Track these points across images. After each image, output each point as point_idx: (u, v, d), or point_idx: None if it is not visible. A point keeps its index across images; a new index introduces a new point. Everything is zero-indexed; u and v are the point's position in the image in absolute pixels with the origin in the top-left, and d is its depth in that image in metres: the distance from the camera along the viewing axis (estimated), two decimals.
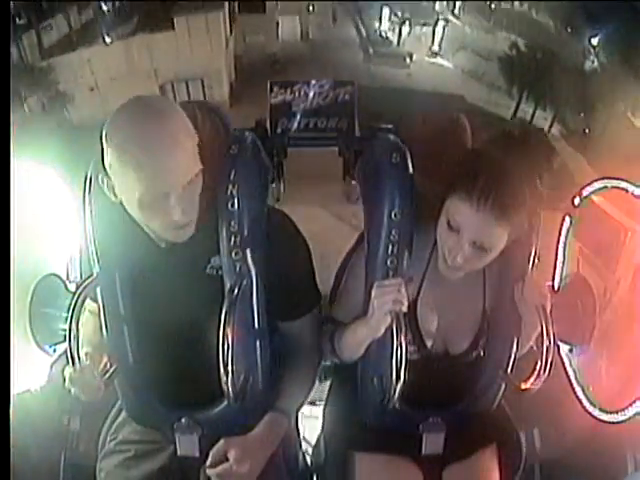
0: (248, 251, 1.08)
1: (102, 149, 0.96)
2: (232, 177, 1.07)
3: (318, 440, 1.48)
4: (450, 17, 22.08)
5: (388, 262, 1.13)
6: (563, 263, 1.48)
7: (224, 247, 1.09)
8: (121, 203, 1.01)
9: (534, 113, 18.34)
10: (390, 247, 1.13)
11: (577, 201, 1.40)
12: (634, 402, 1.25)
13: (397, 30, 22.26)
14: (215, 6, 19.01)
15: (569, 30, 19.33)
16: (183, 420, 1.19)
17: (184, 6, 18.68)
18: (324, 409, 1.46)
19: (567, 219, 1.44)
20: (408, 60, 21.03)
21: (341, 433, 1.36)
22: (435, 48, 21.70)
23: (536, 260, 1.15)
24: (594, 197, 1.39)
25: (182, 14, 18.66)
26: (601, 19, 17.99)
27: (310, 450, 1.50)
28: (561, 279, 1.49)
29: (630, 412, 1.27)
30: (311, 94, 1.39)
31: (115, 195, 1.00)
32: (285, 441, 1.21)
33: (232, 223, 1.08)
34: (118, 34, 19.11)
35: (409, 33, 22.19)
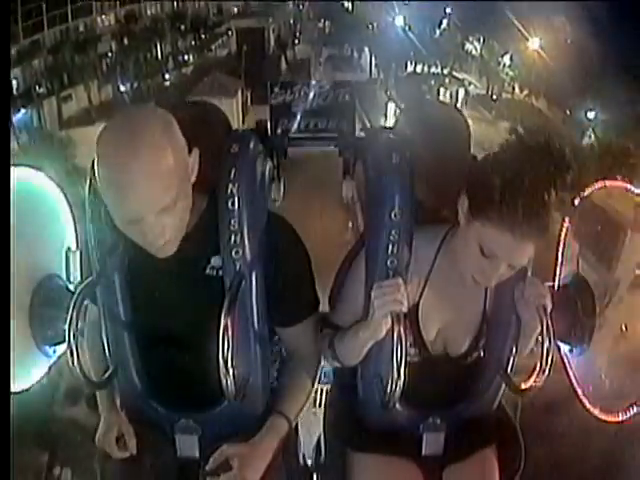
0: (248, 250, 1.08)
1: None
2: (232, 176, 1.07)
3: (318, 440, 1.48)
4: None
5: (388, 262, 1.13)
6: (563, 263, 1.48)
7: (224, 246, 1.09)
8: None
9: None
10: (390, 247, 1.13)
11: (577, 201, 1.40)
12: (634, 402, 1.26)
13: None
14: (229, 93, 19.85)
15: (568, 112, 19.77)
16: (183, 420, 1.19)
17: (200, 91, 19.46)
18: (324, 409, 1.46)
19: (567, 219, 1.44)
20: None
21: (341, 433, 1.36)
22: None
23: (536, 260, 1.15)
24: (594, 197, 1.39)
25: (197, 98, 19.22)
26: (597, 96, 18.29)
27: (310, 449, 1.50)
28: (561, 279, 1.49)
29: (630, 412, 1.27)
30: (311, 95, 1.40)
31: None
32: (285, 441, 1.21)
33: (232, 222, 1.07)
34: None
35: None
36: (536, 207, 0.98)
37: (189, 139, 0.99)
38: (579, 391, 1.44)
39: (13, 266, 1.09)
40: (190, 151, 0.99)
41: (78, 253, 1.35)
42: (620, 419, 1.30)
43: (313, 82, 1.30)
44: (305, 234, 1.19)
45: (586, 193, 1.39)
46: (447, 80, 24.38)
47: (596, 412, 1.37)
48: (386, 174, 1.13)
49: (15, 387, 1.21)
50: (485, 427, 1.29)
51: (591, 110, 19.17)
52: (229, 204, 1.07)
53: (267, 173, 1.20)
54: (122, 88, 20.69)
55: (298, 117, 1.36)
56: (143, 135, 0.91)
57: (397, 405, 1.16)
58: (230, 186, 1.07)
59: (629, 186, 1.30)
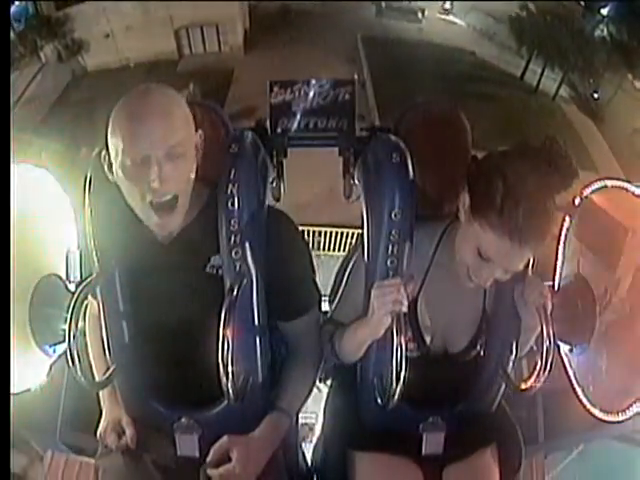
0: (248, 250, 1.08)
1: (103, 156, 1.01)
2: (232, 176, 1.07)
3: (318, 440, 1.48)
4: None
5: (388, 262, 1.13)
6: (563, 263, 1.48)
7: (224, 246, 1.09)
8: (116, 185, 1.02)
9: (542, 73, 18.36)
10: (390, 247, 1.13)
11: (577, 201, 1.40)
12: (634, 402, 1.26)
13: None
14: None
15: (581, 3, 19.48)
16: (183, 420, 1.19)
17: None
18: (324, 409, 1.47)
19: (567, 219, 1.44)
20: (420, 15, 20.96)
21: (341, 433, 1.36)
22: (447, 6, 21.74)
23: (536, 260, 1.15)
24: (594, 197, 1.39)
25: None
26: None
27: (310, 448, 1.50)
28: (561, 279, 1.49)
29: (630, 412, 1.27)
30: (311, 94, 1.39)
31: (112, 173, 1.02)
32: (285, 441, 1.21)
33: (232, 222, 1.07)
34: None
35: None
36: (537, 214, 0.97)
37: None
38: (579, 391, 1.44)
39: (13, 266, 1.09)
40: (196, 130, 1.04)
41: (78, 253, 1.35)
42: (620, 419, 1.30)
43: (313, 81, 1.30)
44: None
45: (586, 193, 1.39)
46: None
47: (596, 412, 1.37)
48: (386, 174, 1.13)
49: (15, 387, 1.22)
50: (485, 427, 1.29)
51: (604, 6, 18.70)
52: (229, 204, 1.07)
53: (267, 173, 1.20)
54: None
55: (298, 116, 1.35)
56: (156, 90, 1.00)
57: (397, 405, 1.16)
58: (230, 186, 1.07)
59: (629, 186, 1.30)
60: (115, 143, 0.98)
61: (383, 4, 21.34)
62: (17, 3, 16.97)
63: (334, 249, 5.82)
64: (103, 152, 1.02)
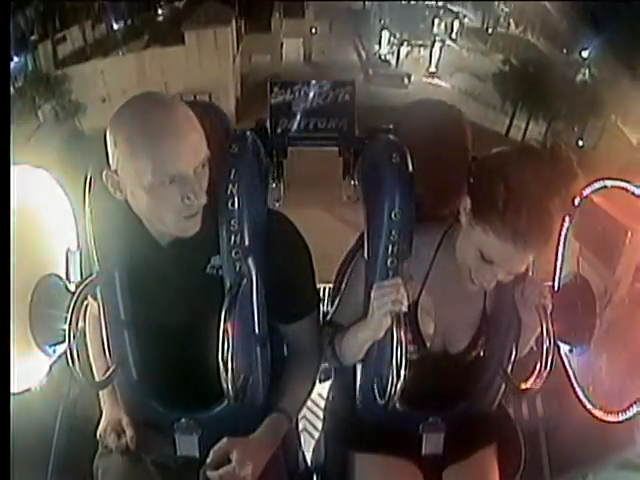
0: (248, 250, 1.08)
1: (105, 145, 0.97)
2: (232, 176, 1.07)
3: (318, 440, 1.48)
4: (448, 41, 22.98)
5: (388, 262, 1.13)
6: (563, 263, 1.48)
7: (224, 246, 1.09)
8: (126, 201, 1.01)
9: (527, 127, 18.67)
10: (390, 247, 1.13)
11: (577, 201, 1.40)
12: (634, 402, 1.25)
13: (396, 52, 23.42)
14: (224, 22, 19.90)
15: (564, 51, 19.91)
16: (183, 420, 1.19)
17: (194, 21, 19.55)
18: (324, 409, 1.46)
19: (567, 219, 1.43)
20: (406, 80, 22.05)
21: (341, 433, 1.36)
22: (432, 69, 22.62)
23: (536, 260, 1.15)
24: (594, 197, 1.39)
25: (192, 29, 19.50)
26: (591, 33, 18.49)
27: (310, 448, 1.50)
28: (561, 279, 1.49)
29: (630, 412, 1.27)
30: (311, 94, 1.39)
31: (120, 191, 1.00)
32: (285, 441, 1.21)
33: (232, 222, 1.08)
34: (130, 48, 19.62)
35: (407, 55, 23.35)
36: (540, 217, 0.97)
37: None
38: (579, 391, 1.44)
39: (13, 266, 1.09)
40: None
41: (78, 253, 1.35)
42: (620, 419, 1.29)
43: (313, 82, 1.30)
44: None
45: (586, 193, 1.39)
46: (442, 12, 24.27)
47: (596, 412, 1.37)
48: (386, 174, 1.13)
49: (15, 387, 1.21)
50: (485, 427, 1.29)
51: (585, 49, 19.20)
52: (229, 204, 1.07)
53: (267, 173, 1.20)
54: (115, 26, 20.66)
55: (298, 117, 1.36)
56: (170, 100, 0.98)
57: (397, 405, 1.16)
58: (230, 186, 1.07)
59: (629, 186, 1.30)
60: (138, 165, 0.93)
61: (370, 71, 22.00)
62: (16, 59, 17.24)
63: None
64: (105, 171, 0.99)
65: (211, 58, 19.59)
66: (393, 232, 1.12)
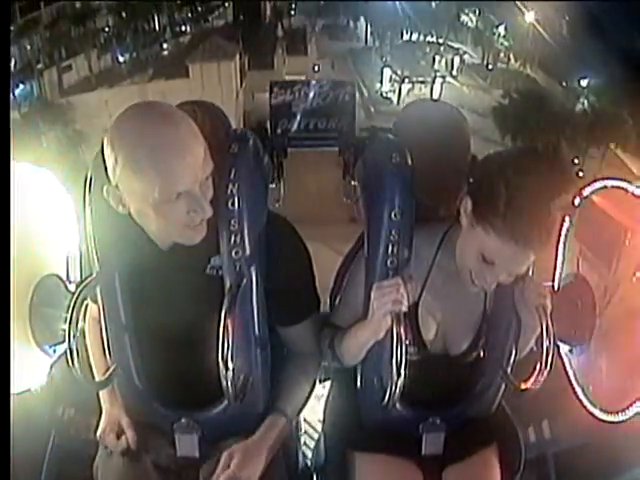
0: (248, 250, 1.08)
1: (104, 161, 0.97)
2: (232, 176, 1.07)
3: (318, 440, 1.48)
4: (449, 78, 23.54)
5: (388, 262, 1.13)
6: (563, 263, 1.48)
7: (224, 246, 1.09)
8: (129, 214, 1.00)
9: None
10: (390, 247, 1.13)
11: (577, 201, 1.40)
12: (634, 402, 1.25)
13: (397, 89, 23.73)
14: (227, 57, 20.23)
15: (563, 84, 20.07)
16: (183, 420, 1.19)
17: (199, 55, 19.87)
18: (324, 409, 1.46)
19: (567, 219, 1.43)
20: None
21: (341, 433, 1.36)
22: None
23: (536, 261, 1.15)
24: (594, 197, 1.39)
25: (196, 62, 19.78)
26: (591, 65, 18.57)
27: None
28: (561, 279, 1.49)
29: (630, 412, 1.27)
30: (311, 95, 1.40)
31: (123, 205, 0.99)
32: (285, 441, 1.21)
33: (232, 222, 1.07)
34: (135, 80, 19.78)
35: (408, 92, 23.64)
36: (541, 217, 0.97)
37: None
38: (579, 391, 1.44)
39: (13, 266, 1.09)
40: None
41: (78, 253, 1.35)
42: (620, 419, 1.29)
43: (313, 82, 1.29)
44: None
45: (586, 193, 1.39)
46: (442, 48, 24.70)
47: (596, 412, 1.37)
48: (386, 174, 1.13)
49: (15, 387, 1.21)
50: (485, 427, 1.29)
51: (584, 78, 19.34)
52: (229, 204, 1.07)
53: (267, 173, 1.20)
54: (120, 59, 20.83)
55: (298, 117, 1.36)
56: (172, 111, 0.95)
57: (397, 405, 1.15)
58: (230, 186, 1.07)
59: (629, 187, 1.30)
60: (143, 183, 0.92)
61: (372, 108, 22.18)
62: (22, 86, 17.36)
63: None
64: (106, 187, 0.99)
65: (214, 92, 19.47)
66: (393, 232, 1.12)
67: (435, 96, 22.44)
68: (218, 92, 19.63)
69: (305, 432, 1.80)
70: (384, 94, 23.63)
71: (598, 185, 1.38)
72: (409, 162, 1.13)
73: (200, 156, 0.95)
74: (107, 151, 0.94)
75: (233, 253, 1.08)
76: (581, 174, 17.35)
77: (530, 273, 1.16)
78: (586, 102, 19.48)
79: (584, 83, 19.56)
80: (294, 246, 1.17)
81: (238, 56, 21.26)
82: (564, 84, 20.60)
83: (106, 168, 0.96)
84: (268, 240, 1.11)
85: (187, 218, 0.98)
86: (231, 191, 1.07)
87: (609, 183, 1.36)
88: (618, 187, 1.34)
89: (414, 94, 23.21)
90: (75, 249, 1.38)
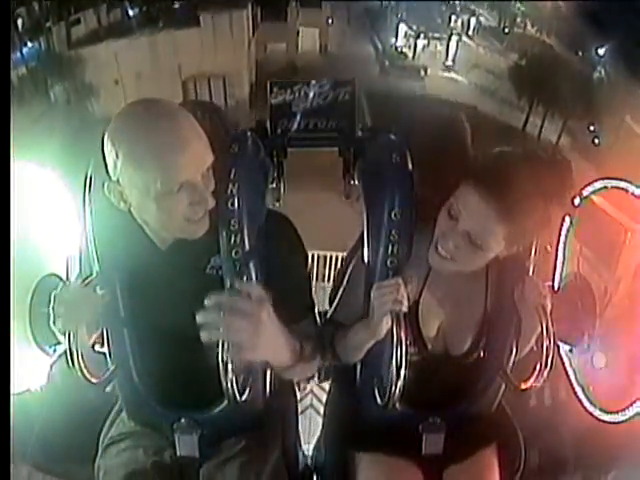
0: (248, 250, 1.08)
1: (104, 157, 0.97)
2: (232, 176, 1.07)
3: (318, 440, 1.48)
4: (464, 37, 23.19)
5: (388, 262, 1.13)
6: (563, 263, 1.48)
7: (224, 246, 1.09)
8: (129, 210, 1.01)
9: (543, 123, 18.69)
10: (390, 247, 1.13)
11: (577, 201, 1.40)
12: (634, 402, 1.25)
13: (412, 45, 23.32)
14: (239, 6, 19.66)
15: (579, 53, 19.94)
16: (183, 420, 1.19)
17: (210, 4, 19.24)
18: (324, 409, 1.46)
19: (567, 219, 1.43)
20: (423, 73, 22.00)
21: (341, 433, 1.36)
22: (449, 63, 22.54)
23: (536, 261, 1.15)
24: (594, 197, 1.39)
25: (208, 11, 19.22)
26: (608, 31, 18.39)
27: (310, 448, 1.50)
28: (561, 279, 1.49)
29: (630, 412, 1.27)
30: (311, 94, 1.39)
31: (124, 202, 1.00)
32: (285, 441, 1.21)
33: (232, 222, 1.08)
34: (144, 32, 19.47)
35: (424, 48, 23.24)
36: (513, 183, 0.97)
37: None
38: (579, 391, 1.44)
39: (13, 266, 1.09)
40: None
41: (78, 253, 1.35)
42: (620, 419, 1.29)
43: (313, 82, 1.30)
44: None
45: (586, 193, 1.39)
46: (459, 8, 24.13)
47: (596, 412, 1.37)
48: (386, 174, 1.13)
49: (15, 387, 1.21)
50: (485, 427, 1.29)
51: (601, 47, 19.11)
52: (229, 204, 1.07)
53: (267, 173, 1.20)
54: (130, 13, 20.58)
55: (298, 117, 1.36)
56: (171, 107, 0.96)
57: (397, 405, 1.16)
58: (230, 186, 1.07)
59: (629, 187, 1.30)
60: (146, 176, 0.93)
61: (386, 63, 21.98)
62: (30, 45, 17.21)
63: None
64: (107, 183, 0.99)
65: (226, 42, 19.25)
66: (393, 232, 1.12)
67: (451, 54, 22.28)
68: (230, 42, 19.35)
69: (304, 429, 1.78)
70: (399, 49, 23.27)
71: (598, 185, 1.38)
72: (409, 162, 1.13)
73: (201, 147, 0.96)
74: (107, 147, 0.95)
75: (233, 253, 1.08)
76: (597, 141, 17.29)
77: (530, 273, 1.16)
78: (603, 71, 19.23)
79: (602, 52, 19.29)
80: (292, 244, 1.17)
81: (250, 6, 20.71)
82: (580, 53, 20.36)
83: (106, 166, 0.97)
84: (267, 237, 1.11)
85: (189, 210, 0.98)
86: (231, 191, 1.07)
87: (609, 183, 1.36)
88: (618, 187, 1.33)
89: (429, 50, 23.01)
90: (75, 249, 1.38)
